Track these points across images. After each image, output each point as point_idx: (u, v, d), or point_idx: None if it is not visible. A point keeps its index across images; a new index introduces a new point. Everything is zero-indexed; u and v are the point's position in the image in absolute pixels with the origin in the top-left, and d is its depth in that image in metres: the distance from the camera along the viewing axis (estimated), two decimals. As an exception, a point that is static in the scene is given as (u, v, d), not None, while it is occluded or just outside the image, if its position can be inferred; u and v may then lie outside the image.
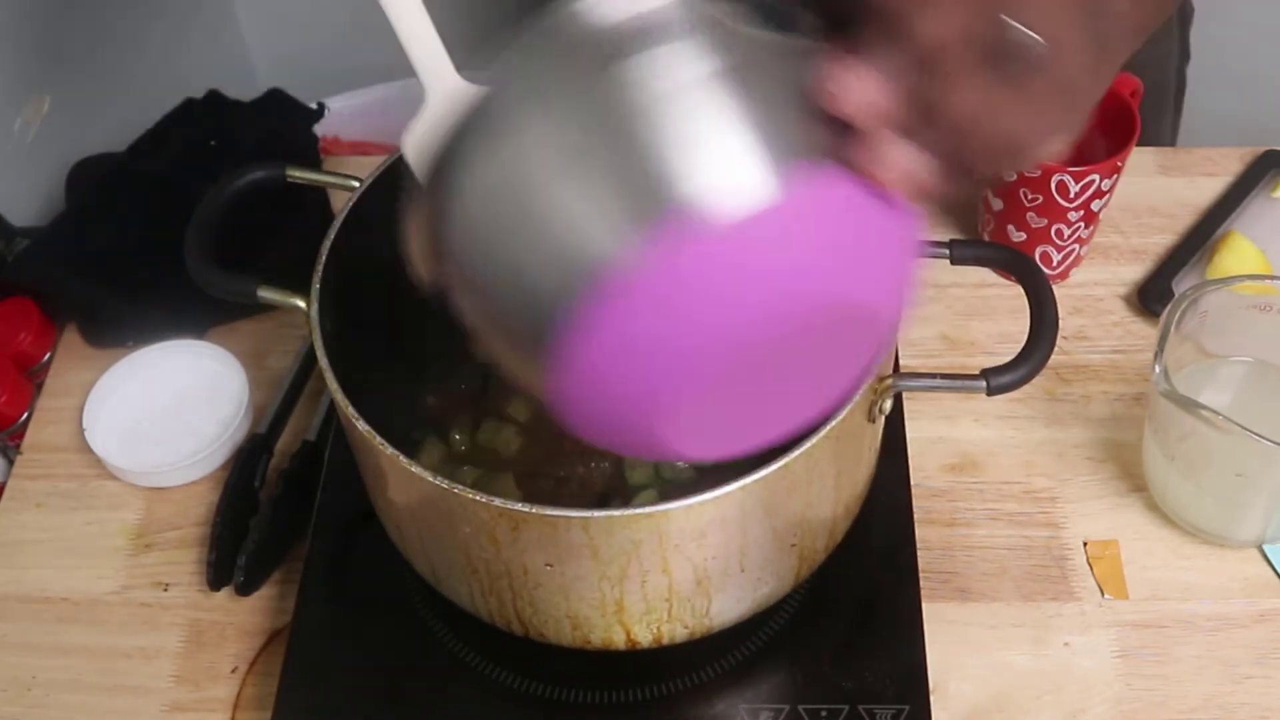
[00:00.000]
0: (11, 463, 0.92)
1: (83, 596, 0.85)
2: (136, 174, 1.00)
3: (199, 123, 1.03)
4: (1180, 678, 0.78)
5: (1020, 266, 0.73)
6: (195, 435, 0.90)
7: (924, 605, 0.78)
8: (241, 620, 0.83)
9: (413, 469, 0.63)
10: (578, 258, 0.46)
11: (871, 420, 0.69)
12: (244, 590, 0.83)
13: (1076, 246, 0.96)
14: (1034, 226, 0.93)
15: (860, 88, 0.45)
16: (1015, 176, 0.91)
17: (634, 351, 0.47)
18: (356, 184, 0.75)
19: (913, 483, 0.84)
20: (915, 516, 0.82)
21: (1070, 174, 0.89)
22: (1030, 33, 0.44)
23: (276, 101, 1.06)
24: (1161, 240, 1.01)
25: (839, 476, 0.69)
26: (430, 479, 0.62)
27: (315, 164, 1.05)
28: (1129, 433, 0.89)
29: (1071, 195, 0.90)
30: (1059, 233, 0.93)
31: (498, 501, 0.61)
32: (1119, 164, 0.90)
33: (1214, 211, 1.01)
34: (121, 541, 0.87)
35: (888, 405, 0.68)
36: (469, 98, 0.52)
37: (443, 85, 0.55)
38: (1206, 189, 1.04)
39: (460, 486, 0.62)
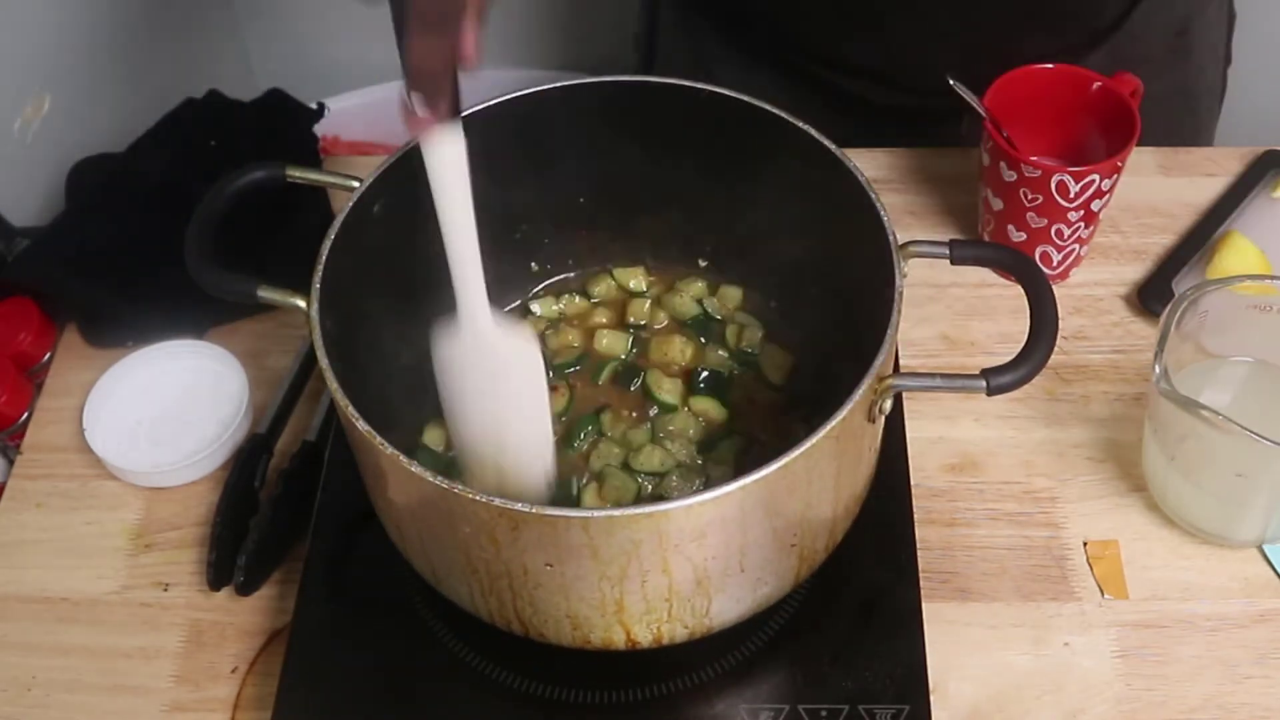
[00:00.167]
0: (11, 463, 0.92)
1: (83, 596, 0.85)
2: (136, 174, 1.00)
3: (199, 123, 1.03)
4: (1180, 678, 0.78)
5: (1020, 266, 0.73)
6: (195, 435, 0.90)
7: (924, 605, 0.78)
8: (241, 620, 0.83)
9: (413, 469, 0.63)
10: None
11: (871, 420, 0.69)
12: (244, 590, 0.83)
13: (1076, 246, 0.96)
14: (1034, 226, 0.93)
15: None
16: (1015, 177, 0.91)
17: None
18: (356, 184, 0.75)
19: (913, 483, 0.84)
20: (915, 516, 0.82)
21: (1070, 174, 0.89)
22: None
23: (276, 101, 1.06)
24: (1161, 240, 1.01)
25: (839, 476, 0.69)
26: (430, 479, 0.62)
27: (315, 164, 1.05)
28: (1129, 433, 0.89)
29: (1071, 195, 0.90)
30: (1059, 233, 0.93)
31: (498, 501, 0.61)
32: (1119, 164, 0.90)
33: (1214, 211, 1.01)
34: (121, 541, 0.87)
35: (888, 405, 0.68)
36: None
37: (474, 324, 0.71)
38: (1206, 189, 1.04)
39: (460, 486, 0.62)
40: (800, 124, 0.76)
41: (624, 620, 0.68)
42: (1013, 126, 0.92)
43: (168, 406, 0.93)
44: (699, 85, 0.78)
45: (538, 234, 0.89)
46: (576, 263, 0.92)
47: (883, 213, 0.71)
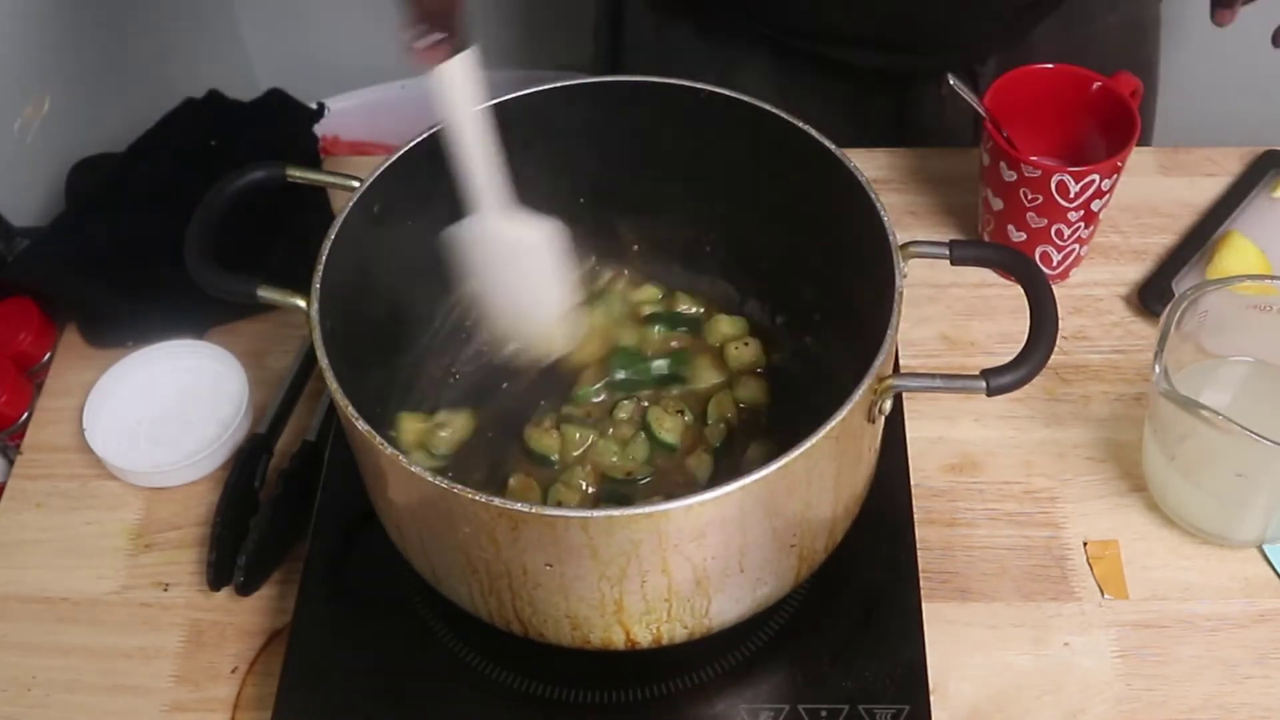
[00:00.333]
0: (11, 463, 0.92)
1: (83, 596, 0.85)
2: (136, 174, 1.00)
3: (199, 123, 1.03)
4: (1180, 678, 0.78)
5: (1020, 267, 0.72)
6: (195, 435, 0.90)
7: (924, 605, 0.78)
8: (241, 620, 0.83)
9: (412, 469, 0.63)
10: None
11: (871, 420, 0.69)
12: (244, 590, 0.83)
13: (1076, 246, 0.96)
14: (1034, 226, 0.93)
15: None
16: (1015, 177, 0.91)
17: None
18: (357, 184, 0.75)
19: (913, 483, 0.84)
20: (915, 516, 0.82)
21: (1070, 174, 0.89)
22: None
23: (276, 101, 1.06)
24: (1161, 240, 1.01)
25: (838, 476, 0.69)
26: (430, 479, 0.62)
27: (315, 164, 1.05)
28: (1129, 433, 0.89)
29: (1071, 195, 0.90)
30: (1059, 233, 0.93)
31: (497, 501, 0.61)
32: (1119, 164, 0.90)
33: (1214, 211, 1.01)
34: (121, 541, 0.87)
35: (887, 405, 0.68)
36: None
37: (487, 219, 0.75)
38: (1206, 189, 1.04)
39: (460, 486, 0.62)
40: (800, 124, 0.76)
41: (623, 620, 0.68)
42: (1013, 126, 0.92)
43: (168, 406, 0.93)
44: (697, 85, 0.78)
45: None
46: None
47: (883, 213, 0.71)
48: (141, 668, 0.81)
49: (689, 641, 0.71)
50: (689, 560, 0.65)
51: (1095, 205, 0.92)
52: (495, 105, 0.78)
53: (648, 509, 0.61)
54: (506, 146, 0.80)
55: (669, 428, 0.82)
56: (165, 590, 0.85)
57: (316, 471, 0.86)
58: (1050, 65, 0.95)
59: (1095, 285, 0.98)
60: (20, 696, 0.81)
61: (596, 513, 0.61)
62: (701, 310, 0.89)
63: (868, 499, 0.77)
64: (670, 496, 0.62)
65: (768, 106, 0.77)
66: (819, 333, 0.85)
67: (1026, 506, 0.86)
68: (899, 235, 0.71)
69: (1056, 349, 0.68)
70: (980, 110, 0.91)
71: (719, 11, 1.09)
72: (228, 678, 0.81)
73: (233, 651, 0.82)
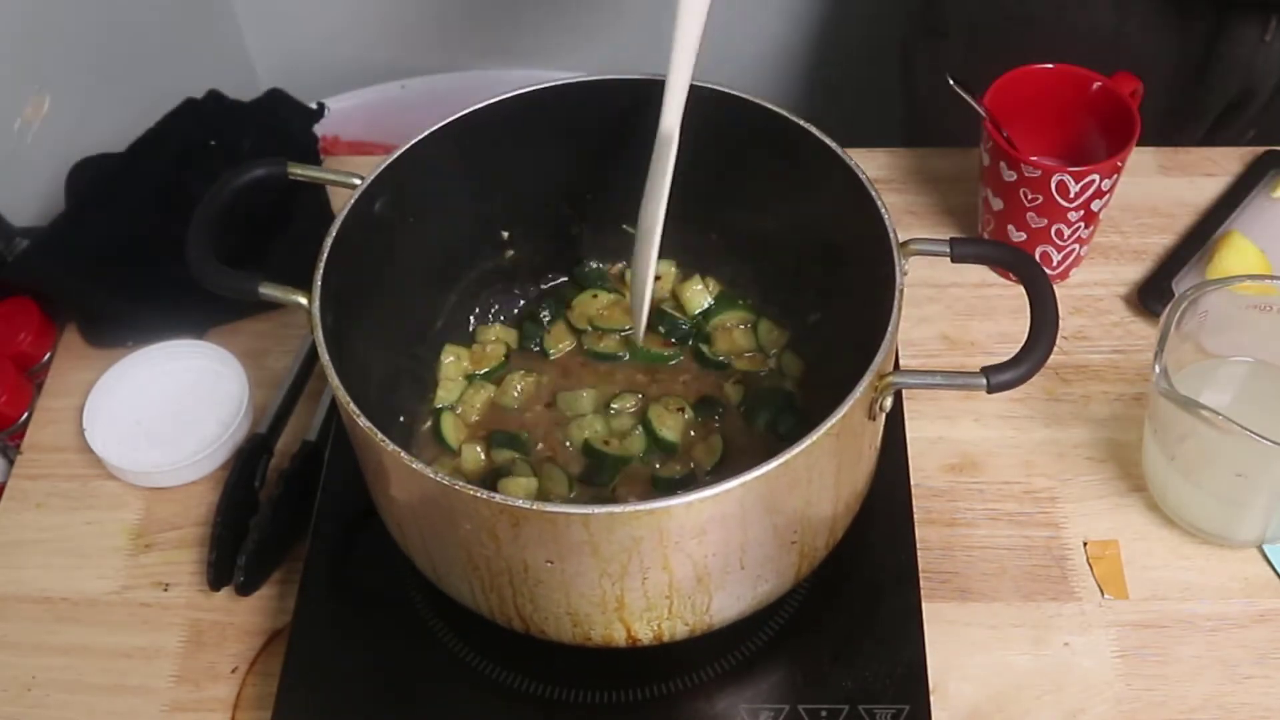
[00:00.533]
0: (11, 463, 0.92)
1: (83, 596, 0.85)
2: (136, 174, 1.00)
3: (199, 123, 1.03)
4: (1180, 678, 0.78)
5: (1020, 264, 0.72)
6: (195, 435, 0.90)
7: (924, 605, 0.78)
8: (241, 620, 0.83)
9: (414, 465, 0.63)
10: None
11: (872, 418, 0.69)
12: (244, 590, 0.83)
13: (1076, 246, 0.96)
14: (1034, 226, 0.93)
15: None
16: (1015, 177, 0.91)
17: None
18: (358, 181, 0.75)
19: (913, 483, 0.84)
20: (915, 516, 0.82)
21: (1070, 174, 0.89)
22: None
23: (276, 101, 1.06)
24: (1161, 240, 1.01)
25: (839, 474, 0.69)
26: (431, 476, 0.62)
27: (315, 164, 1.05)
28: (1129, 433, 0.89)
29: (1071, 195, 0.90)
30: (1059, 233, 0.93)
31: (498, 498, 0.61)
32: (1119, 164, 0.90)
33: (1214, 211, 1.01)
34: (121, 541, 0.87)
35: (888, 402, 0.68)
36: None
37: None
38: (1206, 189, 1.04)
39: (461, 483, 0.62)
40: (801, 122, 0.76)
41: (625, 617, 0.68)
42: (1013, 126, 0.92)
43: (168, 406, 0.93)
44: (700, 82, 0.78)
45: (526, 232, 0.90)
46: (567, 261, 0.92)
47: (883, 210, 0.71)
48: (141, 668, 0.81)
49: (689, 639, 0.72)
50: (690, 557, 0.65)
51: (1095, 205, 0.92)
52: (500, 102, 0.78)
53: (649, 505, 0.61)
54: (512, 143, 0.80)
55: (670, 425, 0.82)
56: (165, 590, 0.85)
57: (316, 471, 0.86)
58: (1050, 65, 0.95)
59: (1095, 285, 0.98)
60: (20, 696, 0.81)
61: (597, 509, 0.61)
62: (711, 302, 0.90)
63: (868, 499, 0.77)
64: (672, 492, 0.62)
65: (769, 104, 0.77)
66: (819, 330, 0.85)
67: (1026, 506, 0.86)
68: (899, 235, 0.71)
69: (1056, 349, 0.68)
70: (980, 110, 0.91)
71: None
72: (228, 678, 0.81)
73: (233, 651, 0.82)
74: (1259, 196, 1.01)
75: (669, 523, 0.62)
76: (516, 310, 0.90)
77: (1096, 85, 0.94)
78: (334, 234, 0.72)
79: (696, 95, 0.78)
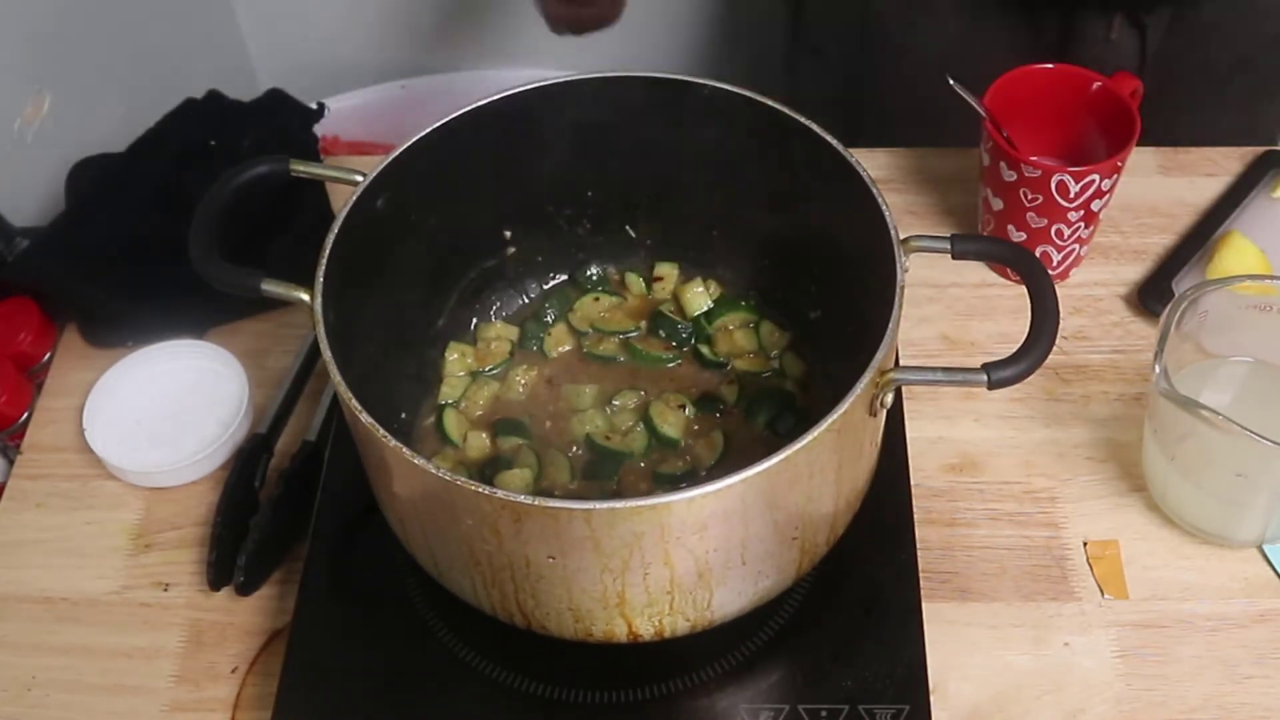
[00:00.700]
0: (11, 463, 0.92)
1: (82, 596, 0.85)
2: (136, 174, 1.00)
3: (199, 123, 1.03)
4: (1180, 678, 0.78)
5: (1020, 261, 0.72)
6: (195, 435, 0.90)
7: (924, 605, 0.78)
8: (241, 620, 0.83)
9: (415, 461, 0.63)
10: None
11: (873, 414, 0.69)
12: (244, 590, 0.83)
13: (1076, 246, 0.96)
14: (1034, 226, 0.93)
15: None
16: (1015, 177, 0.91)
17: None
18: (360, 178, 0.75)
19: (913, 483, 0.84)
20: (915, 516, 0.82)
21: (1070, 174, 0.89)
22: None
23: (276, 101, 1.06)
24: (1161, 240, 1.01)
25: (840, 470, 0.69)
26: (433, 471, 0.62)
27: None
28: (1129, 433, 0.89)
29: (1071, 195, 0.90)
30: (1059, 233, 0.93)
31: (500, 494, 0.61)
32: (1119, 164, 0.90)
33: (1214, 211, 1.02)
34: (121, 541, 0.87)
35: (889, 399, 0.68)
36: None
37: None
38: (1206, 189, 1.04)
39: (463, 479, 0.62)
40: (803, 119, 0.76)
41: (626, 612, 0.68)
42: (1013, 126, 0.92)
43: (168, 406, 0.93)
44: (701, 81, 0.78)
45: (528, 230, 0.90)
46: (568, 260, 0.92)
47: (884, 206, 0.71)
48: (141, 668, 0.81)
49: (690, 637, 0.71)
50: (691, 552, 0.65)
51: (1095, 205, 0.92)
52: (502, 100, 0.78)
53: (650, 501, 0.61)
54: (513, 142, 0.80)
55: (672, 422, 0.82)
56: (165, 590, 0.85)
57: (316, 471, 0.86)
58: (1050, 65, 0.95)
59: (1095, 285, 0.99)
60: (20, 696, 0.80)
61: (599, 505, 0.61)
62: (711, 305, 0.90)
63: (868, 499, 0.77)
64: (673, 488, 0.62)
65: (770, 102, 0.77)
66: (820, 327, 0.85)
67: (1026, 506, 0.86)
68: (900, 233, 0.71)
69: (1056, 349, 0.68)
70: (980, 110, 0.91)
71: None
72: (228, 678, 0.81)
73: (233, 651, 0.82)
74: (1259, 196, 1.01)
75: (670, 518, 0.62)
76: (518, 308, 0.91)
77: (1096, 85, 0.95)
78: (336, 230, 0.72)
79: (696, 94, 0.78)
